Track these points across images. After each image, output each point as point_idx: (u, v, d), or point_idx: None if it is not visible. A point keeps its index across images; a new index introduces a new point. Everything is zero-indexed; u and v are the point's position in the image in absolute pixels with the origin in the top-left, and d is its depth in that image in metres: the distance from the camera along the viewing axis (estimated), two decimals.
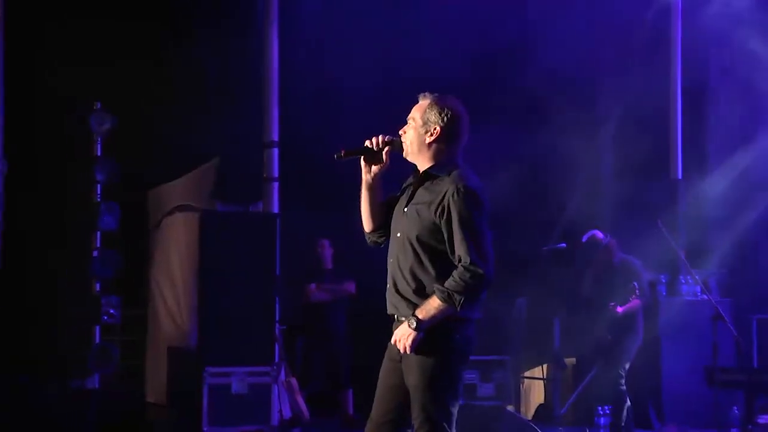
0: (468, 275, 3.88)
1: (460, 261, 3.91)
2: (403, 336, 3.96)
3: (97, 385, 8.27)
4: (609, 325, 7.67)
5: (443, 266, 3.96)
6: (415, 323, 3.93)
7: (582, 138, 9.34)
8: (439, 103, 4.09)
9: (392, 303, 4.10)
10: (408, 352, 3.95)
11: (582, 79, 9.61)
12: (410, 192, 4.12)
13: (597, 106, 9.84)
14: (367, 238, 4.30)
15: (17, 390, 7.83)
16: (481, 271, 3.90)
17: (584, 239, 7.97)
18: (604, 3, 9.33)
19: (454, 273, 3.90)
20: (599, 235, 7.87)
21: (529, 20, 9.55)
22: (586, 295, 8.06)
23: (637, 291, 7.52)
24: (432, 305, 3.93)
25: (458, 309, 3.91)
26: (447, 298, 3.90)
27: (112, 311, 8.34)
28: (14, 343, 8.70)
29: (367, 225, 4.25)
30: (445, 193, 3.97)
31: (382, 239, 4.24)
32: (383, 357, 4.15)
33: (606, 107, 9.74)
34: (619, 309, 7.62)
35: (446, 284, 3.89)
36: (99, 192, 8.41)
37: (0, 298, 8.58)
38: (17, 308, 8.76)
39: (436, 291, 3.90)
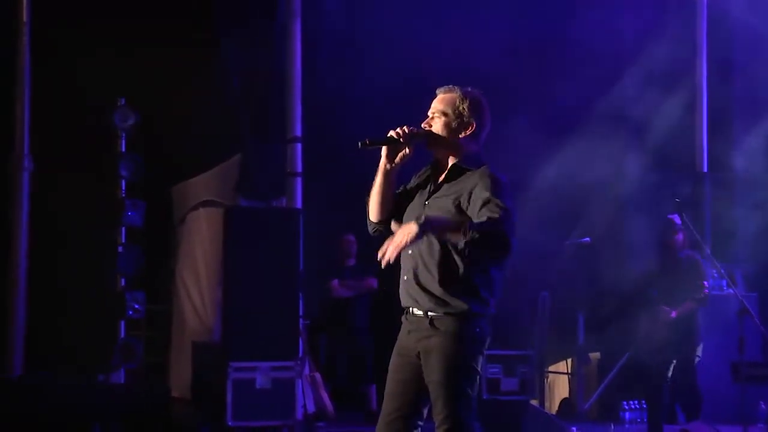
0: (492, 223, 3.81)
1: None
2: (406, 230, 3.87)
3: (122, 380, 8.35)
4: (667, 324, 7.60)
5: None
6: (422, 219, 3.87)
7: (607, 133, 9.34)
8: (469, 97, 4.11)
9: (410, 295, 4.09)
10: (403, 242, 3.86)
11: (607, 74, 9.61)
12: (432, 184, 4.13)
13: (623, 101, 9.82)
14: (370, 227, 4.25)
15: (45, 384, 7.93)
16: (504, 230, 3.80)
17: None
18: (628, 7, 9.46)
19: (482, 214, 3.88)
20: (677, 221, 7.67)
21: (552, 17, 9.57)
22: (647, 285, 7.94)
23: (706, 291, 7.40)
24: (447, 220, 3.92)
25: (464, 241, 3.80)
26: (462, 226, 3.83)
27: (136, 306, 8.42)
28: (42, 337, 8.78)
29: (375, 214, 4.20)
30: (475, 184, 3.98)
31: (390, 230, 4.17)
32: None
33: (632, 102, 9.73)
34: (674, 314, 7.55)
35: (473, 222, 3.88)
36: (123, 188, 8.47)
37: (28, 293, 8.68)
38: (44, 303, 8.84)
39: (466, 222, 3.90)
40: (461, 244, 3.82)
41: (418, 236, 3.86)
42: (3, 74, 8.72)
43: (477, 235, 3.77)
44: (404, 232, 3.85)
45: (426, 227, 3.84)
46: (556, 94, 9.23)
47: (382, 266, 3.94)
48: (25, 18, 8.73)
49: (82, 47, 8.85)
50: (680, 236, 7.62)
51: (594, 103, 9.46)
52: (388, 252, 3.88)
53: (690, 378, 7.76)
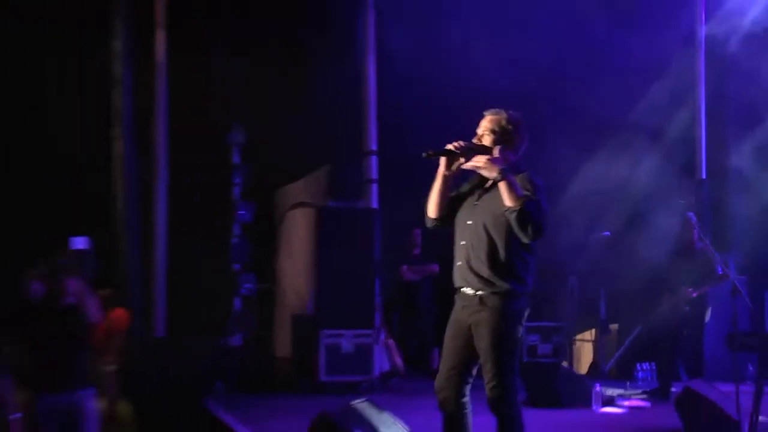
0: (534, 209, 4.25)
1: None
2: (489, 166, 4.28)
3: (239, 344, 9.02)
4: (686, 301, 8.21)
5: (513, 245, 4.38)
6: (504, 174, 4.27)
7: (621, 147, 9.93)
8: (513, 119, 4.53)
9: (463, 277, 4.46)
10: (479, 166, 4.31)
11: (627, 98, 10.23)
12: (481, 188, 4.49)
13: (635, 120, 10.36)
14: (429, 221, 4.55)
15: (183, 344, 8.82)
16: (540, 216, 4.22)
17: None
18: (639, 44, 9.80)
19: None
20: (693, 218, 8.10)
21: (581, 47, 10.14)
22: (668, 271, 8.37)
23: (721, 273, 7.88)
24: (515, 187, 4.27)
25: (518, 208, 4.20)
26: (523, 198, 4.24)
27: (248, 286, 9.11)
28: (178, 308, 9.65)
29: (433, 211, 4.49)
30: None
31: (444, 225, 4.54)
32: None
33: (642, 121, 10.31)
34: (694, 294, 8.19)
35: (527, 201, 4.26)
36: (237, 192, 9.16)
37: (167, 275, 9.60)
38: (179, 282, 9.69)
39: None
40: (515, 207, 4.19)
41: (493, 176, 4.26)
42: (145, 104, 9.64)
43: (525, 209, 4.19)
44: (487, 165, 4.29)
45: (503, 175, 4.24)
46: (584, 111, 9.72)
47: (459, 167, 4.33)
48: (161, 58, 9.80)
49: (205, 79, 9.75)
50: (696, 231, 8.31)
51: (615, 121, 10.04)
52: (468, 165, 4.34)
53: (697, 345, 8.54)
